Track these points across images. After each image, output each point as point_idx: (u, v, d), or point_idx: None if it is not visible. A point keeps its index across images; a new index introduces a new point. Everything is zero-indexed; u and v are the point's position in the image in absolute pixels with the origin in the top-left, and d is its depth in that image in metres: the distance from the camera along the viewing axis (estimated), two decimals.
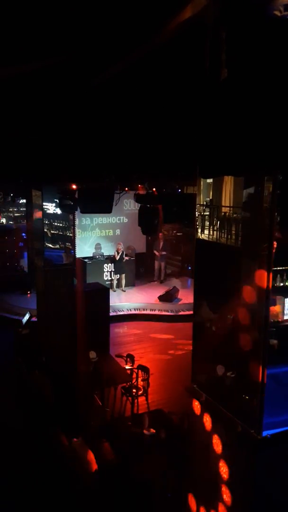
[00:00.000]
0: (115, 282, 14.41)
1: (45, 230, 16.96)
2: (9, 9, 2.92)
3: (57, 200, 12.77)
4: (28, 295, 13.46)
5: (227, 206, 5.83)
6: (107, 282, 14.13)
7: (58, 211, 18.57)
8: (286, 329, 5.20)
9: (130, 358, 8.14)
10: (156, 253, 15.21)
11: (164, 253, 15.10)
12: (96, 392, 7.62)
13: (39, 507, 5.47)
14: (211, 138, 4.81)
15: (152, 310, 13.07)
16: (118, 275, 14.34)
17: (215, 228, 5.65)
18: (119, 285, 14.44)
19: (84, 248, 14.82)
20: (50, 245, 20.56)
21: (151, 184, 10.44)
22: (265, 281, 4.49)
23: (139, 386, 7.57)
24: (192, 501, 5.36)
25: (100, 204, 10.78)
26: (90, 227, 14.93)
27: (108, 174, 9.52)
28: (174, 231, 17.27)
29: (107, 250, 14.97)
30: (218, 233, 5.59)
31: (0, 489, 5.78)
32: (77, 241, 14.77)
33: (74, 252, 14.81)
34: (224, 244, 5.38)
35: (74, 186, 10.94)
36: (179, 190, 12.35)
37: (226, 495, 4.74)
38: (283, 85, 3.33)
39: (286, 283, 5.24)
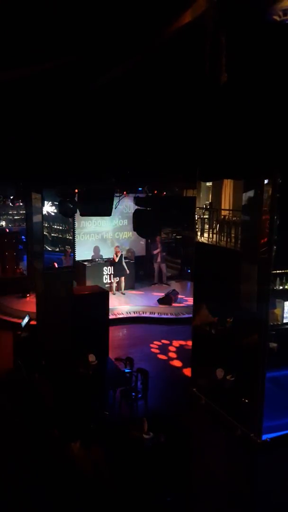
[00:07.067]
0: (114, 285, 14.41)
1: (45, 233, 16.94)
2: (10, 14, 2.94)
3: (57, 203, 12.79)
4: (28, 298, 13.43)
5: (226, 209, 5.85)
6: (106, 285, 14.13)
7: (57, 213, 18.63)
8: (286, 332, 5.20)
9: (129, 361, 8.12)
10: (154, 252, 15.24)
11: (156, 251, 14.91)
12: (95, 396, 7.60)
13: (37, 509, 5.45)
14: (211, 142, 4.83)
15: (152, 313, 13.05)
16: (117, 277, 14.34)
17: (215, 231, 5.68)
18: (118, 288, 14.44)
19: (83, 251, 14.82)
20: (50, 248, 20.57)
21: (151, 187, 10.45)
22: (265, 284, 4.50)
23: (138, 389, 7.55)
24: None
25: (100, 207, 10.82)
26: (90, 229, 14.94)
27: (108, 176, 9.54)
28: (174, 234, 17.27)
29: (107, 252, 14.98)
30: (217, 236, 5.61)
31: None
32: (76, 244, 14.78)
33: (74, 255, 14.82)
34: (224, 247, 5.40)
35: (74, 189, 10.95)
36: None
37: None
38: (282, 89, 3.35)
39: (286, 286, 5.24)
